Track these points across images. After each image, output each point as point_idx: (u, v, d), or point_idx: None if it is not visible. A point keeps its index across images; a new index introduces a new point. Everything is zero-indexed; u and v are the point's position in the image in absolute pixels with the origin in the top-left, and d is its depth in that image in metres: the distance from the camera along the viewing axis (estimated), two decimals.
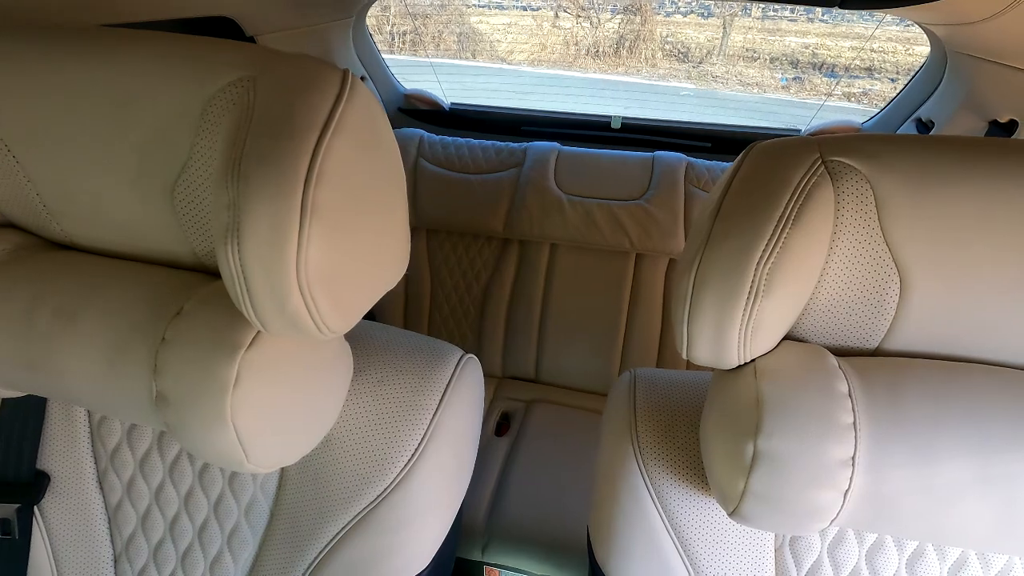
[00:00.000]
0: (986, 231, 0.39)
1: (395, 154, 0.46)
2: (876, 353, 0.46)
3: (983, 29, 0.81)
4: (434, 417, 0.54)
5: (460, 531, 0.70)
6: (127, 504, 0.59)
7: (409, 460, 0.53)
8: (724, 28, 4.08)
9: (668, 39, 4.21)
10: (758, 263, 0.40)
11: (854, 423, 0.40)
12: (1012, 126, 0.87)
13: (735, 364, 0.45)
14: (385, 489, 0.53)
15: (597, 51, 4.17)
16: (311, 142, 0.36)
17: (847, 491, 0.40)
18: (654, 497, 0.53)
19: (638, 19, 4.09)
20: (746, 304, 0.41)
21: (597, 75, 4.10)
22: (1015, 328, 0.41)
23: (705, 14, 4.21)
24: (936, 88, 1.13)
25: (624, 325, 1.27)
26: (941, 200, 0.39)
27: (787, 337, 0.46)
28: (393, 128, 1.42)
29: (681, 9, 4.23)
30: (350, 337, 0.57)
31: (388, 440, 0.53)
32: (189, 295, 0.44)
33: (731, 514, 0.44)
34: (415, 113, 1.50)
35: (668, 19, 4.25)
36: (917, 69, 1.19)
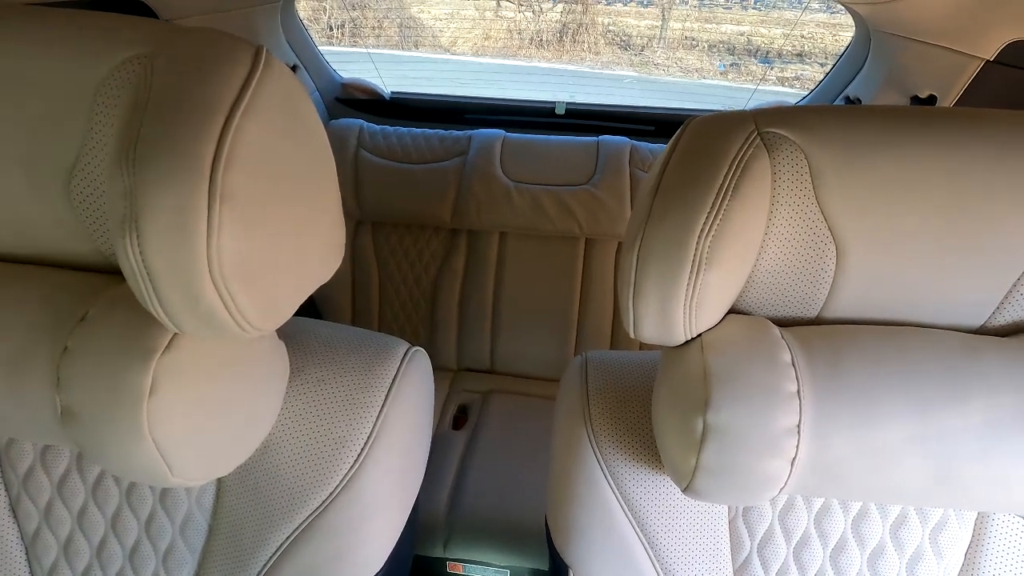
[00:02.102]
0: (912, 197, 0.40)
1: (320, 139, 0.43)
2: (817, 321, 0.47)
3: (902, 7, 0.85)
4: (380, 415, 0.52)
5: (416, 529, 0.68)
6: (46, 532, 0.53)
7: (355, 461, 0.50)
8: (663, 16, 4.15)
9: (610, 28, 4.26)
10: (699, 236, 0.40)
11: (798, 391, 0.40)
12: (931, 101, 0.91)
13: (682, 340, 0.45)
14: (331, 493, 0.50)
15: (540, 40, 4.17)
16: (218, 122, 0.33)
17: (794, 459, 0.40)
18: (609, 479, 0.52)
19: (580, 8, 4.11)
20: (689, 278, 0.41)
21: (541, 64, 4.10)
22: (943, 290, 0.42)
23: (645, 2, 4.28)
24: (861, 67, 1.17)
25: (577, 310, 1.27)
26: (869, 168, 0.40)
27: (732, 310, 0.47)
28: (331, 119, 1.36)
29: None
30: (287, 336, 0.54)
31: (332, 442, 0.50)
32: (95, 299, 0.40)
33: (685, 490, 0.44)
34: (354, 103, 1.44)
35: (609, 8, 4.29)
36: (843, 49, 1.23)
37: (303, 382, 0.52)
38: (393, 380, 0.54)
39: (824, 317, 0.46)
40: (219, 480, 0.52)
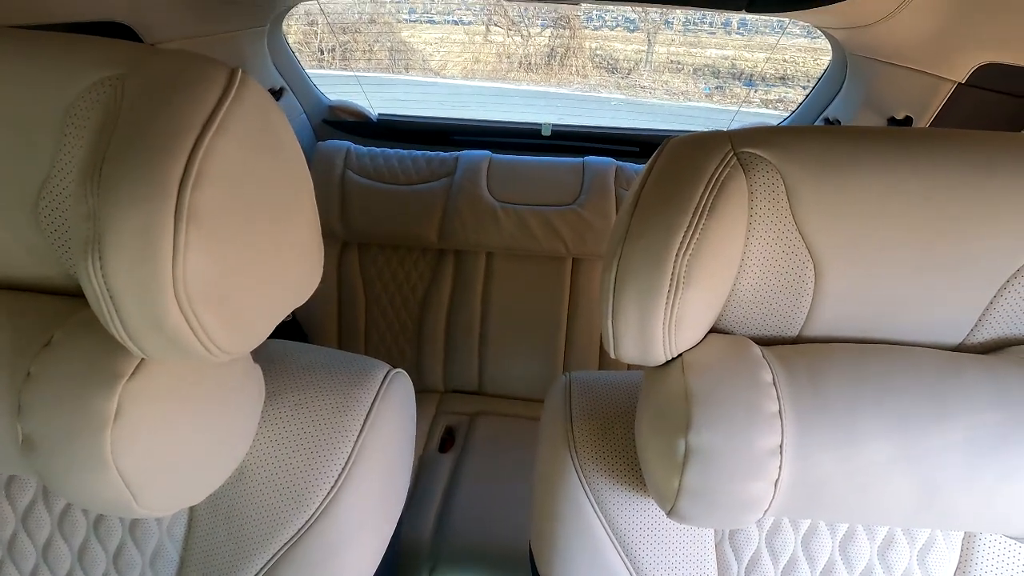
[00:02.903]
0: (887, 216, 0.40)
1: (297, 161, 0.43)
2: (798, 340, 0.46)
3: (877, 31, 0.87)
4: (359, 438, 0.51)
5: (401, 555, 0.67)
6: (9, 566, 0.51)
7: (332, 487, 0.49)
8: (648, 41, 4.24)
9: (597, 52, 4.33)
10: (677, 254, 0.40)
11: (779, 411, 0.40)
12: (908, 122, 0.93)
13: (662, 360, 0.45)
14: (307, 521, 0.49)
15: (529, 63, 4.23)
16: (188, 141, 0.33)
17: (777, 480, 0.40)
18: (593, 502, 0.51)
19: (567, 32, 4.19)
20: (668, 296, 0.41)
21: (530, 87, 4.15)
22: (922, 308, 0.43)
23: (631, 28, 4.36)
24: (840, 89, 1.20)
25: (564, 330, 1.27)
26: (843, 187, 0.40)
27: (713, 330, 0.46)
28: (318, 141, 1.36)
29: (608, 23, 4.36)
30: (263, 359, 0.53)
31: (308, 468, 0.49)
32: (62, 323, 0.39)
33: (669, 513, 0.43)
34: (341, 125, 1.45)
35: (596, 32, 4.37)
36: (822, 72, 1.26)
37: (279, 406, 0.51)
38: (372, 403, 0.53)
39: (805, 336, 0.46)
40: (191, 509, 0.50)
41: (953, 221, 0.40)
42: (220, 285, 0.35)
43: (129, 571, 0.51)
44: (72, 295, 0.42)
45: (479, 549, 0.96)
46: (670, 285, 0.40)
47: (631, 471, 0.51)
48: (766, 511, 0.42)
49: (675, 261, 0.40)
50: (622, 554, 0.51)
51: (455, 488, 1.07)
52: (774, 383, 0.41)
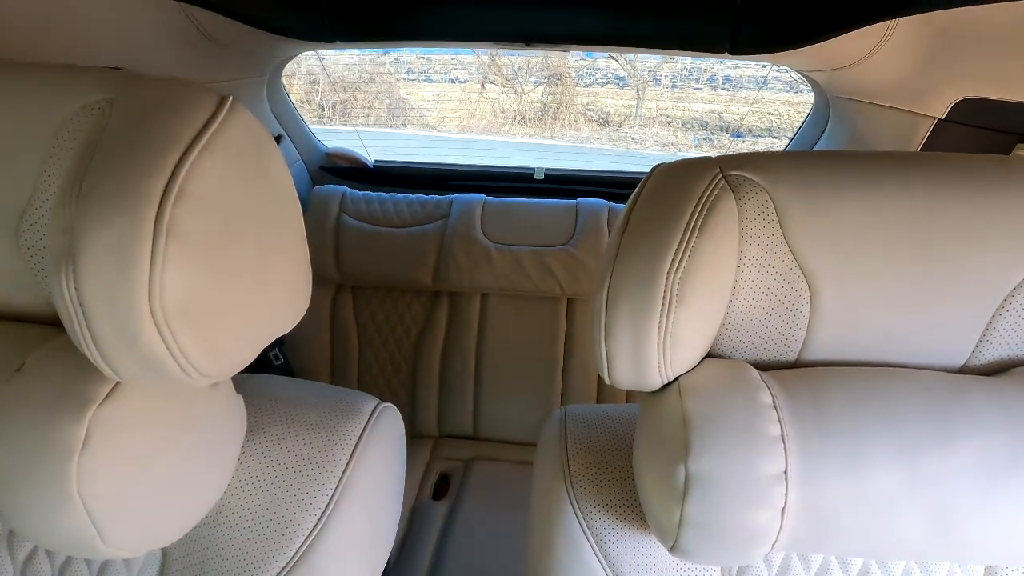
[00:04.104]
0: (878, 236, 0.40)
1: (286, 188, 0.43)
2: (796, 364, 0.45)
3: (856, 72, 0.90)
4: (344, 475, 0.48)
5: None
6: None
7: (314, 527, 0.46)
8: (638, 95, 4.40)
9: (589, 107, 4.49)
10: (668, 271, 0.39)
11: (782, 435, 0.38)
12: None
13: (658, 383, 0.43)
14: (288, 563, 0.45)
15: (523, 118, 4.38)
16: (172, 159, 0.32)
17: (783, 509, 0.38)
18: (591, 541, 0.49)
19: (560, 89, 4.36)
20: (661, 314, 0.40)
21: (524, 140, 4.28)
22: (920, 330, 0.42)
23: (621, 84, 4.54)
24: (824, 131, 1.23)
25: (561, 372, 1.25)
26: (832, 207, 0.40)
27: (709, 355, 0.45)
28: (314, 186, 1.38)
29: (599, 80, 4.55)
30: (247, 393, 0.51)
31: (289, 505, 0.46)
32: (34, 350, 0.37)
33: (671, 549, 0.41)
34: (338, 171, 1.47)
35: (587, 89, 4.55)
36: (806, 116, 1.30)
37: (261, 440, 0.49)
38: (359, 437, 0.50)
39: (804, 360, 0.45)
40: (163, 553, 0.47)
41: (943, 241, 0.39)
42: (198, 303, 0.34)
43: None
44: (52, 324, 0.41)
45: None
46: (663, 303, 0.40)
47: (630, 506, 0.49)
48: (774, 544, 0.39)
49: (667, 278, 0.39)
50: None
51: (449, 537, 1.02)
52: (774, 405, 0.40)
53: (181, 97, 0.36)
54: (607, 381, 0.45)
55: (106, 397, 0.35)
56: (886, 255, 0.40)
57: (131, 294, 0.31)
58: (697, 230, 0.40)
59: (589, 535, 0.49)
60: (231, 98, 0.38)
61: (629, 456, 0.51)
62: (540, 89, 4.38)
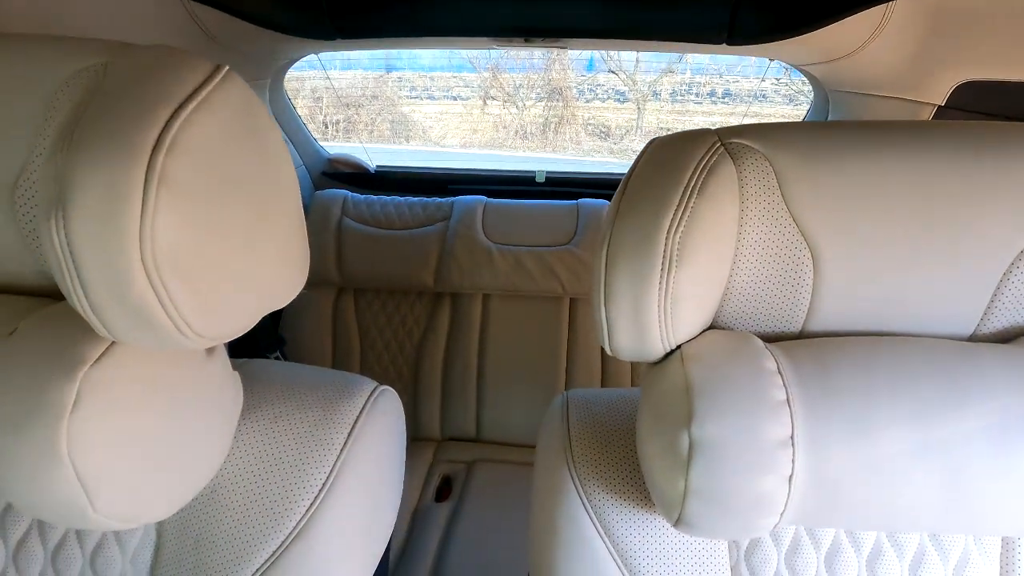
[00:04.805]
0: (881, 203, 0.39)
1: (280, 154, 0.42)
2: (801, 336, 0.44)
3: (854, 63, 0.90)
4: (341, 453, 0.47)
5: None
6: None
7: (310, 506, 0.45)
8: (639, 109, 4.44)
9: (590, 121, 4.53)
10: (668, 232, 0.39)
11: (787, 399, 0.38)
12: None
13: (660, 351, 0.43)
14: (283, 542, 0.44)
15: (525, 133, 4.42)
16: (166, 111, 0.32)
17: (791, 476, 0.37)
18: (595, 521, 0.47)
19: (560, 104, 4.40)
20: (661, 275, 0.39)
21: (526, 154, 4.31)
22: (926, 299, 0.41)
23: (621, 99, 4.58)
24: None
25: (564, 371, 1.24)
26: (834, 173, 0.40)
27: (712, 326, 0.45)
28: (316, 191, 1.38)
29: (599, 96, 4.60)
30: (244, 374, 0.50)
31: (286, 483, 0.45)
32: (27, 316, 0.37)
33: (676, 523, 0.40)
34: (339, 177, 1.48)
35: (588, 104, 4.59)
36: (806, 113, 1.30)
37: (258, 418, 0.48)
38: (357, 417, 0.49)
39: (808, 331, 0.44)
40: (158, 535, 0.46)
41: (945, 208, 0.39)
42: (190, 255, 0.33)
43: None
44: (46, 295, 0.41)
45: None
46: (663, 263, 0.39)
47: (634, 486, 0.48)
48: (782, 514, 0.38)
49: (667, 239, 0.39)
50: (626, 574, 0.46)
51: (451, 539, 1.00)
52: (779, 371, 0.39)
53: (177, 61, 0.36)
54: (608, 351, 0.44)
55: (99, 358, 0.35)
56: (889, 221, 0.39)
57: (121, 240, 0.30)
58: (696, 191, 0.39)
59: (593, 515, 0.48)
60: (226, 67, 0.38)
61: (632, 437, 0.50)
62: (541, 105, 4.43)
